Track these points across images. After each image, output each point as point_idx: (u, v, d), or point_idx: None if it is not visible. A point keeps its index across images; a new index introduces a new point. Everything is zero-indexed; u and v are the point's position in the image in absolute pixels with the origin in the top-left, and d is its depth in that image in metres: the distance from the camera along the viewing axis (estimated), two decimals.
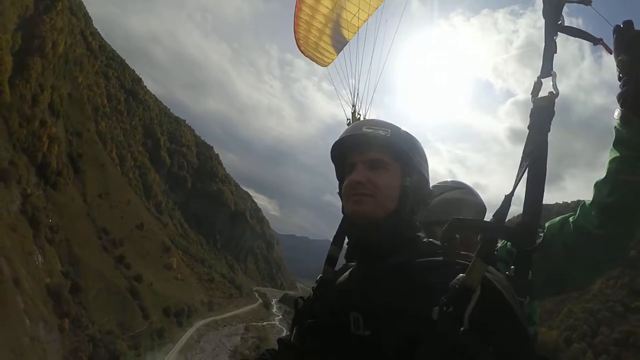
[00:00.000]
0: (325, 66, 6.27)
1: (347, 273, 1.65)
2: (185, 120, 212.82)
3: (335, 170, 1.71)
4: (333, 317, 1.49)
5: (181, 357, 74.91)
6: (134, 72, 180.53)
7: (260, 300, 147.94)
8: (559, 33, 1.61)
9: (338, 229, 1.80)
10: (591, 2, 1.66)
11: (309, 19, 5.94)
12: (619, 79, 1.65)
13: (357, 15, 5.34)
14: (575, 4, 1.66)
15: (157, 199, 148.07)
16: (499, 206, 1.32)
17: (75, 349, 55.76)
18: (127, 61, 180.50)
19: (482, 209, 2.62)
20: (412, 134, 1.64)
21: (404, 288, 1.32)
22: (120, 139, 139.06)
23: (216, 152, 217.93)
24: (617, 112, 1.69)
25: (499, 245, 2.06)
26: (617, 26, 1.64)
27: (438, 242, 1.49)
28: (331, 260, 1.78)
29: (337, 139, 1.66)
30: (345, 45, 5.80)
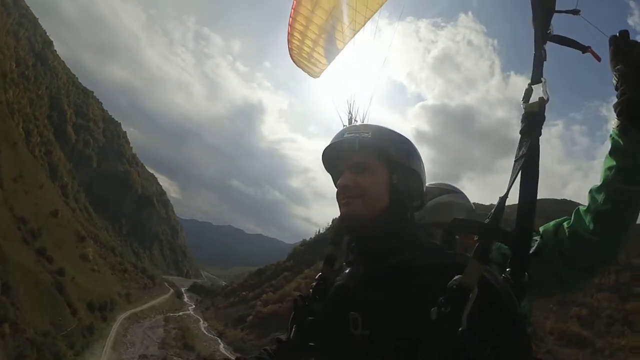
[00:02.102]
0: (317, 77, 6.31)
1: (345, 273, 1.67)
2: (93, 92, 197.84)
3: (332, 179, 1.78)
4: (332, 316, 1.53)
5: (115, 353, 71.65)
6: (45, 33, 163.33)
7: (172, 290, 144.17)
8: (548, 42, 1.63)
9: (336, 230, 1.89)
10: (580, 11, 1.70)
11: (303, 30, 5.96)
12: (616, 88, 1.71)
13: (350, 26, 5.46)
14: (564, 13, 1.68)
15: (62, 181, 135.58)
16: (493, 208, 1.35)
17: (19, 356, 51.14)
18: (39, 20, 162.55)
19: (472, 211, 2.72)
20: (399, 132, 1.68)
21: (402, 288, 1.35)
22: (27, 110, 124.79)
23: (124, 130, 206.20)
24: (614, 122, 1.75)
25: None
26: (614, 36, 1.70)
27: (437, 242, 1.58)
28: (329, 259, 1.84)
29: (324, 148, 1.74)
30: (337, 55, 5.91)
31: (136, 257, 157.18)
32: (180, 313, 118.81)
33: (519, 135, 1.49)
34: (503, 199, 1.33)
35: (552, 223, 2.01)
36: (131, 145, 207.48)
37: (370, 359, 1.34)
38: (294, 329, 1.68)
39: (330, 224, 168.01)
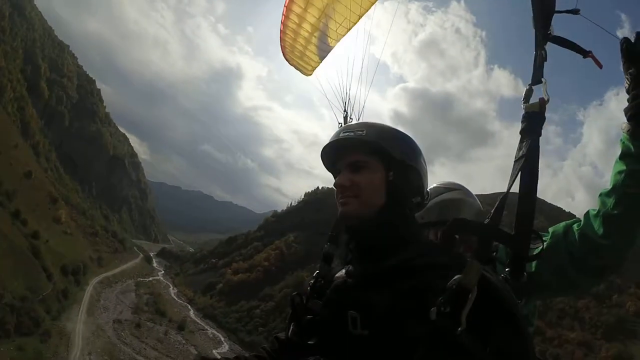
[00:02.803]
0: (309, 75, 6.31)
1: (344, 271, 1.67)
2: (69, 46, 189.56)
3: (334, 177, 1.74)
4: (330, 315, 1.53)
5: (90, 318, 72.32)
6: None
7: (142, 255, 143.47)
8: (549, 43, 1.62)
9: (333, 228, 1.86)
10: (579, 11, 1.69)
11: (296, 28, 5.92)
12: (628, 91, 1.71)
13: (342, 24, 5.46)
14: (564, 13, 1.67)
15: (34, 139, 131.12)
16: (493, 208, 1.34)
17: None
18: None
19: (480, 211, 2.71)
20: (397, 129, 1.68)
21: (402, 288, 1.34)
22: (2, 64, 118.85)
23: (98, 87, 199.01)
24: (625, 126, 1.75)
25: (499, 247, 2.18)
26: (626, 39, 1.69)
27: (437, 242, 1.62)
28: (327, 257, 1.82)
29: (322, 147, 1.74)
30: (328, 53, 5.92)
31: (106, 220, 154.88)
32: (150, 278, 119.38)
33: (519, 136, 1.49)
34: (503, 199, 1.32)
35: (562, 225, 2.04)
36: (104, 104, 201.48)
37: (369, 359, 1.34)
38: (292, 328, 1.68)
39: (302, 197, 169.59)
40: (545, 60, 1.58)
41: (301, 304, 1.69)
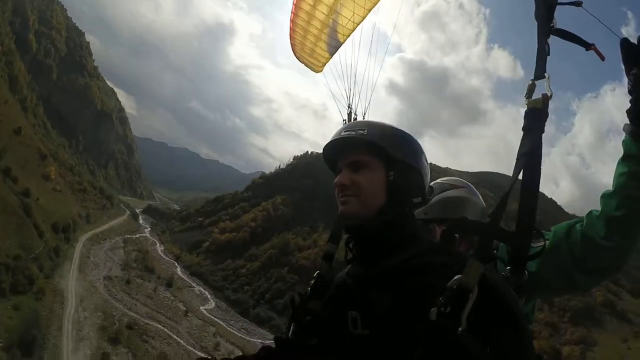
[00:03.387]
0: (319, 71, 6.29)
1: (344, 271, 1.67)
2: None
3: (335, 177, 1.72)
4: (331, 315, 1.52)
5: (81, 275, 74.08)
6: None
7: (128, 212, 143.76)
8: (551, 36, 1.60)
9: (334, 227, 1.85)
10: (582, 3, 1.68)
11: (305, 25, 5.92)
12: (630, 92, 1.67)
13: (351, 19, 5.43)
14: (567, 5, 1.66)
15: (22, 94, 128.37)
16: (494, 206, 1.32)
17: None
18: None
19: (484, 211, 2.67)
20: (398, 128, 1.66)
21: (402, 288, 1.33)
22: None
23: (87, 40, 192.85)
24: (627, 127, 1.73)
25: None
26: (627, 40, 1.65)
27: (437, 242, 1.58)
28: (328, 257, 1.81)
29: (324, 146, 1.73)
30: (338, 49, 5.86)
31: (92, 176, 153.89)
32: (138, 235, 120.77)
33: (522, 132, 1.46)
34: (504, 198, 1.31)
35: (564, 224, 2.04)
36: (93, 57, 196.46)
37: (369, 359, 1.34)
38: (292, 328, 1.66)
39: (291, 160, 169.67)
40: (549, 55, 1.57)
41: (301, 304, 1.70)
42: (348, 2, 5.34)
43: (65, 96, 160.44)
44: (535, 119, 1.44)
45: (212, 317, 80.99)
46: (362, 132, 1.57)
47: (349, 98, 5.31)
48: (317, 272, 1.76)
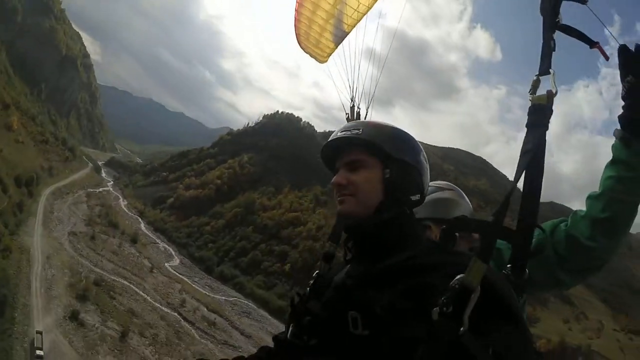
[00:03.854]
0: (324, 62, 6.23)
1: (344, 271, 1.64)
2: None
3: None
4: (331, 315, 1.49)
5: (46, 231, 73.65)
6: None
7: (91, 165, 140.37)
8: (556, 31, 1.58)
9: (334, 227, 1.85)
10: (587, 1, 1.67)
11: (310, 15, 5.87)
12: (623, 98, 1.70)
13: (357, 9, 5.36)
14: (572, 2, 1.65)
15: None
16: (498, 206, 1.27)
17: None
18: None
19: (472, 213, 2.67)
20: (395, 126, 1.66)
21: (402, 288, 1.31)
22: None
23: None
24: (617, 132, 1.76)
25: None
26: (625, 47, 1.68)
27: (437, 241, 1.55)
28: (328, 257, 1.81)
29: (322, 147, 1.74)
30: (343, 39, 5.78)
31: (54, 126, 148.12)
32: (101, 189, 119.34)
33: (525, 129, 1.43)
34: (508, 195, 1.27)
35: (549, 223, 2.04)
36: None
37: (370, 359, 1.31)
38: (291, 329, 1.63)
39: (260, 119, 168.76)
40: (554, 50, 1.54)
41: (300, 304, 1.68)
42: None
43: (29, 41, 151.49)
44: (540, 116, 1.43)
45: (177, 274, 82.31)
46: (357, 131, 1.59)
47: (352, 91, 5.19)
48: (317, 272, 1.78)
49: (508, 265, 1.52)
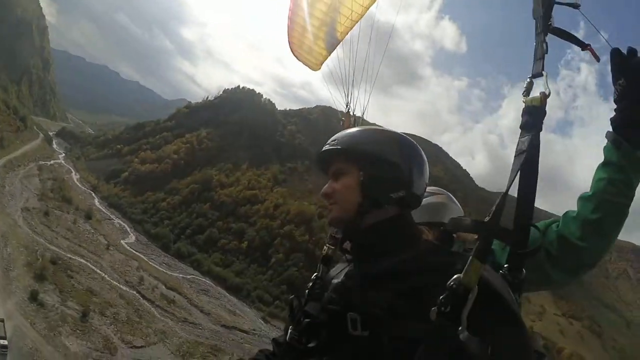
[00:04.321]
0: (317, 70, 6.20)
1: (342, 273, 1.65)
2: None
3: None
4: (330, 317, 1.49)
5: None
6: None
7: (42, 135, 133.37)
8: (549, 34, 1.61)
9: (332, 230, 1.89)
10: (579, 5, 1.69)
11: (304, 24, 5.89)
12: (615, 102, 1.72)
13: (350, 17, 5.38)
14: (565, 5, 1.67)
15: None
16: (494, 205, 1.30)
17: None
18: None
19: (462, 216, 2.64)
20: (373, 128, 1.71)
21: (401, 288, 1.33)
22: None
23: None
24: (609, 135, 1.77)
25: None
26: (617, 50, 1.68)
27: (435, 242, 1.58)
28: (326, 259, 1.83)
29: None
30: (336, 46, 5.78)
31: (5, 94, 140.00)
32: (52, 162, 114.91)
33: (519, 130, 1.46)
34: (504, 196, 1.30)
35: (541, 223, 2.03)
36: None
37: None
38: (289, 331, 1.62)
39: (220, 93, 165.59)
40: (546, 53, 1.58)
41: (299, 306, 1.69)
42: (347, 0, 5.40)
43: None
44: (534, 117, 1.45)
45: (134, 252, 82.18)
46: (334, 142, 1.65)
47: (347, 96, 5.21)
48: (315, 274, 1.80)
49: (505, 265, 1.56)
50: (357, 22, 5.45)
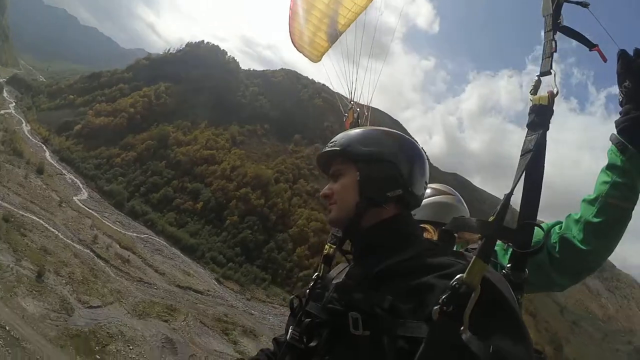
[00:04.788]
0: (317, 61, 6.13)
1: (344, 272, 1.66)
2: None
3: None
4: (331, 317, 1.49)
5: None
6: None
7: None
8: (557, 32, 1.59)
9: (334, 231, 1.92)
10: (589, 4, 1.68)
11: (305, 15, 5.80)
12: (621, 104, 1.70)
13: (352, 9, 5.35)
14: (573, 4, 1.67)
15: None
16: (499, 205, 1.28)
17: None
18: None
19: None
20: (370, 128, 1.73)
21: (403, 288, 1.33)
22: None
23: None
24: (614, 138, 1.75)
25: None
26: (624, 52, 1.66)
27: (436, 241, 1.58)
28: (327, 259, 1.86)
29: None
30: (337, 38, 5.68)
31: None
32: (2, 112, 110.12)
33: (526, 129, 1.45)
34: (508, 195, 1.29)
35: (544, 225, 2.04)
36: None
37: None
38: (290, 331, 1.63)
39: (182, 46, 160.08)
40: (555, 51, 1.56)
41: (300, 306, 1.70)
42: None
43: None
44: (541, 116, 1.44)
45: (87, 209, 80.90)
46: (332, 144, 1.69)
47: (351, 93, 5.07)
48: (316, 274, 1.82)
49: (508, 265, 1.55)
50: (359, 14, 5.45)
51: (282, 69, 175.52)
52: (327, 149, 1.71)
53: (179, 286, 67.00)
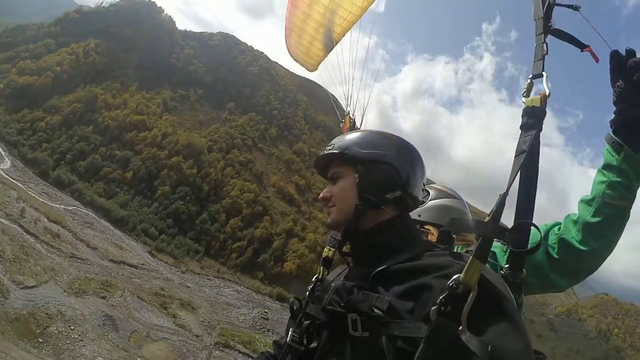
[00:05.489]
0: (313, 70, 6.25)
1: (342, 274, 1.68)
2: None
3: None
4: (330, 318, 1.50)
5: None
6: None
7: None
8: (549, 35, 1.60)
9: (333, 233, 1.96)
10: (580, 7, 1.70)
11: (301, 25, 5.93)
12: (615, 104, 1.71)
13: (347, 18, 5.41)
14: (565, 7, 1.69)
15: None
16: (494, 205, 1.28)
17: None
18: None
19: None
20: (368, 131, 1.74)
21: (402, 289, 1.34)
22: None
23: None
24: (609, 138, 1.77)
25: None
26: (616, 52, 1.68)
27: (434, 242, 1.58)
28: (327, 261, 1.89)
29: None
30: (332, 48, 5.72)
31: None
32: None
33: (519, 131, 1.45)
34: (503, 196, 1.29)
35: (542, 226, 2.07)
36: None
37: None
38: (290, 333, 1.65)
39: (117, 0, 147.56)
40: (547, 54, 1.57)
41: (300, 308, 1.72)
42: (345, 1, 5.39)
43: None
44: (534, 118, 1.44)
45: (11, 179, 76.56)
46: (331, 147, 1.70)
47: (347, 99, 5.04)
48: (315, 276, 1.85)
49: (505, 265, 1.58)
50: (354, 23, 5.45)
51: (220, 32, 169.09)
52: (326, 151, 1.74)
53: (112, 261, 64.12)
